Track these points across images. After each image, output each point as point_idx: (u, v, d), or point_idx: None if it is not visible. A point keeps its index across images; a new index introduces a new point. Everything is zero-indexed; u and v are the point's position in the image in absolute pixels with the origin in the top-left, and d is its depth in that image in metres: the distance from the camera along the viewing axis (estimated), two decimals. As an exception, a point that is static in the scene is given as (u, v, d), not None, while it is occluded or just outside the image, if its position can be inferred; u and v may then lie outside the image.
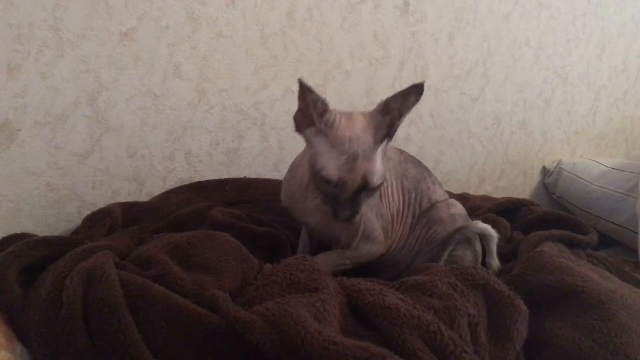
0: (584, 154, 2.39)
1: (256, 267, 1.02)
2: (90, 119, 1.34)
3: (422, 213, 1.27)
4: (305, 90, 1.04)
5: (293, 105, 1.59)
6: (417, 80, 1.76)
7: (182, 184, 1.50)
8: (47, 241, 1.08)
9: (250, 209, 1.43)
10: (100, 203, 1.37)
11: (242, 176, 1.57)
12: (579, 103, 2.29)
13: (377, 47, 1.72)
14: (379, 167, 1.04)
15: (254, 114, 1.56)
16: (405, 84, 1.77)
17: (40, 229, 1.31)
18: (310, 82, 1.57)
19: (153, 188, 1.48)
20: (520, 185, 2.26)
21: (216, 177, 1.54)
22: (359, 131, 1.04)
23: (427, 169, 1.32)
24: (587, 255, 1.33)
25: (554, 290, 1.07)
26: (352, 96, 1.72)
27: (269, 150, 1.61)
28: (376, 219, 1.20)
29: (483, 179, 2.12)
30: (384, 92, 1.75)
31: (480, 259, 1.28)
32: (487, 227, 1.24)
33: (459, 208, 1.30)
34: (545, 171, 2.30)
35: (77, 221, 1.32)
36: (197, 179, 1.52)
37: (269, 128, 1.59)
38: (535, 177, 2.29)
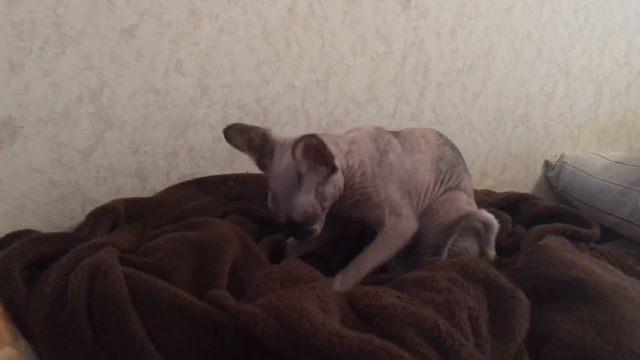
0: (586, 147, 2.39)
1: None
2: (93, 115, 1.34)
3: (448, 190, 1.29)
4: (232, 135, 1.14)
5: (295, 101, 1.62)
6: (419, 75, 1.80)
7: (185, 180, 1.50)
8: (51, 238, 1.08)
9: (253, 204, 1.43)
10: (104, 199, 1.37)
11: (245, 172, 1.57)
12: (582, 97, 2.29)
13: (379, 42, 1.72)
14: (299, 204, 1.07)
15: (256, 109, 1.57)
16: (407, 79, 1.80)
17: (43, 226, 1.31)
18: (312, 78, 1.61)
19: (156, 184, 1.48)
20: (522, 180, 2.26)
21: (219, 173, 1.54)
22: (281, 171, 1.09)
23: (461, 156, 1.35)
24: (589, 248, 1.33)
25: (557, 284, 1.07)
26: (354, 91, 1.72)
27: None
28: (401, 197, 1.21)
29: (485, 173, 2.13)
30: (386, 87, 1.77)
31: None
32: (491, 217, 1.25)
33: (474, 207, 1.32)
34: (547, 165, 2.29)
35: (80, 217, 1.32)
36: (200, 175, 1.52)
37: (271, 124, 1.59)
38: (537, 171, 2.29)
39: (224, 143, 1.52)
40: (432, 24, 1.80)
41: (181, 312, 0.81)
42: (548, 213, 1.47)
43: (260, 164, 1.15)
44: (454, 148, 1.34)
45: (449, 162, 1.30)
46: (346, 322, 0.84)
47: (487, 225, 1.25)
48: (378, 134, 1.24)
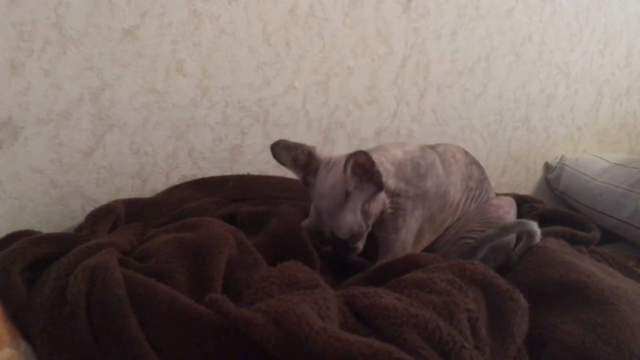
0: (586, 149, 2.38)
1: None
2: (94, 116, 1.34)
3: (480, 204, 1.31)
4: (279, 151, 1.15)
5: (295, 102, 1.62)
6: (419, 77, 1.80)
7: (185, 181, 1.50)
8: (51, 238, 1.08)
9: (253, 205, 1.44)
10: (104, 200, 1.37)
11: (246, 173, 1.57)
12: (582, 99, 2.29)
13: (379, 44, 1.72)
14: (345, 222, 1.09)
15: (256, 110, 1.57)
16: (407, 81, 1.80)
17: (44, 226, 1.31)
18: (313, 79, 1.61)
19: (156, 185, 1.48)
20: (522, 181, 2.26)
21: (219, 174, 1.54)
22: (327, 188, 1.10)
23: (485, 172, 1.37)
24: (589, 251, 1.33)
25: (557, 286, 1.06)
26: (355, 92, 1.72)
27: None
28: (413, 242, 1.21)
29: (485, 172, 2.12)
30: (387, 89, 1.77)
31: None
32: (539, 233, 1.23)
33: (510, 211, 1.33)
34: (547, 167, 2.29)
35: (80, 218, 1.32)
36: (200, 176, 1.53)
37: (272, 125, 1.60)
38: (537, 173, 2.29)
39: (225, 144, 1.54)
40: (432, 26, 1.80)
41: (180, 315, 0.81)
42: (548, 216, 1.47)
43: (305, 182, 1.17)
44: (478, 165, 1.35)
45: (477, 179, 1.31)
46: (345, 325, 0.84)
47: (531, 238, 1.23)
48: (422, 155, 1.24)
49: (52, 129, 1.30)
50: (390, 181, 1.17)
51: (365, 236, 1.16)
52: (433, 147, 1.31)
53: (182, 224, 1.12)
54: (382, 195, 1.14)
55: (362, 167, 1.06)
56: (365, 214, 1.11)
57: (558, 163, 2.23)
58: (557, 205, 2.18)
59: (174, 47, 1.41)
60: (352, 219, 1.09)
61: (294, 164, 1.16)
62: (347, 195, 1.07)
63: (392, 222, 1.20)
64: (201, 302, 0.85)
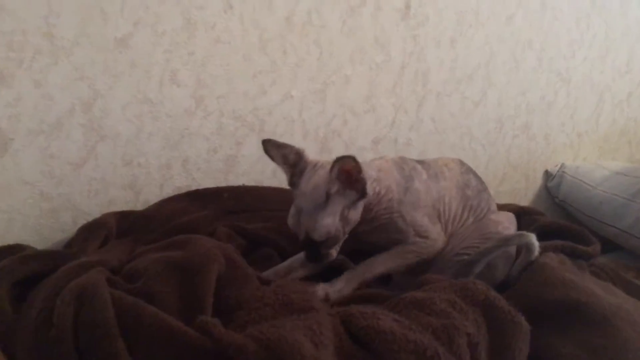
0: (587, 157, 2.36)
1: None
2: (85, 127, 1.32)
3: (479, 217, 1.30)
4: (269, 147, 1.17)
5: (292, 111, 1.59)
6: (418, 85, 1.77)
7: (179, 192, 1.48)
8: (40, 255, 1.07)
9: (248, 217, 1.42)
10: (96, 212, 1.35)
11: (241, 184, 1.55)
12: (583, 105, 2.27)
13: (377, 51, 1.70)
14: (322, 224, 1.08)
15: (252, 120, 1.54)
16: (406, 89, 1.78)
17: (34, 239, 1.29)
18: (310, 88, 1.59)
19: (150, 196, 1.45)
20: (522, 190, 2.23)
21: (214, 185, 1.52)
22: (310, 188, 1.10)
23: (484, 183, 1.36)
24: (589, 265, 1.31)
25: (557, 305, 1.04)
26: (352, 101, 1.70)
27: (268, 157, 1.59)
28: (429, 221, 1.21)
29: (485, 183, 2.10)
30: (385, 97, 1.75)
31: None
32: (537, 245, 1.20)
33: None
34: (547, 175, 2.27)
35: (72, 231, 1.30)
36: (194, 187, 1.50)
37: (268, 134, 1.56)
38: (537, 181, 2.27)
39: (219, 154, 1.52)
40: (431, 33, 1.78)
41: (170, 339, 0.79)
42: (548, 229, 1.44)
43: (291, 181, 1.17)
44: (476, 175, 1.35)
45: (475, 189, 1.31)
46: (341, 350, 0.82)
47: (530, 252, 1.20)
48: (403, 161, 1.26)
49: (42, 140, 1.27)
50: (378, 187, 1.17)
51: (340, 244, 1.15)
52: (421, 161, 1.31)
53: (170, 241, 1.10)
54: (362, 204, 1.13)
55: (347, 173, 1.06)
56: (344, 219, 1.11)
57: (558, 171, 2.21)
58: (557, 213, 2.16)
59: (168, 56, 1.39)
60: (330, 222, 1.08)
61: (283, 161, 1.17)
62: (328, 197, 1.07)
63: (392, 227, 1.19)
64: (191, 324, 0.83)
